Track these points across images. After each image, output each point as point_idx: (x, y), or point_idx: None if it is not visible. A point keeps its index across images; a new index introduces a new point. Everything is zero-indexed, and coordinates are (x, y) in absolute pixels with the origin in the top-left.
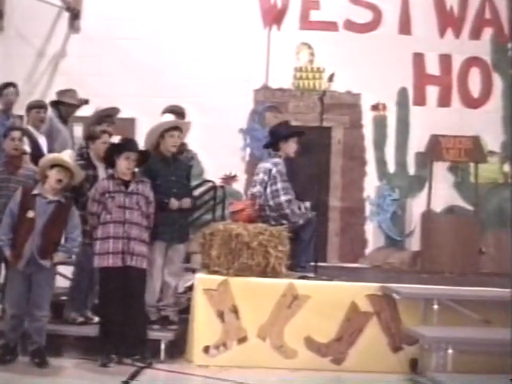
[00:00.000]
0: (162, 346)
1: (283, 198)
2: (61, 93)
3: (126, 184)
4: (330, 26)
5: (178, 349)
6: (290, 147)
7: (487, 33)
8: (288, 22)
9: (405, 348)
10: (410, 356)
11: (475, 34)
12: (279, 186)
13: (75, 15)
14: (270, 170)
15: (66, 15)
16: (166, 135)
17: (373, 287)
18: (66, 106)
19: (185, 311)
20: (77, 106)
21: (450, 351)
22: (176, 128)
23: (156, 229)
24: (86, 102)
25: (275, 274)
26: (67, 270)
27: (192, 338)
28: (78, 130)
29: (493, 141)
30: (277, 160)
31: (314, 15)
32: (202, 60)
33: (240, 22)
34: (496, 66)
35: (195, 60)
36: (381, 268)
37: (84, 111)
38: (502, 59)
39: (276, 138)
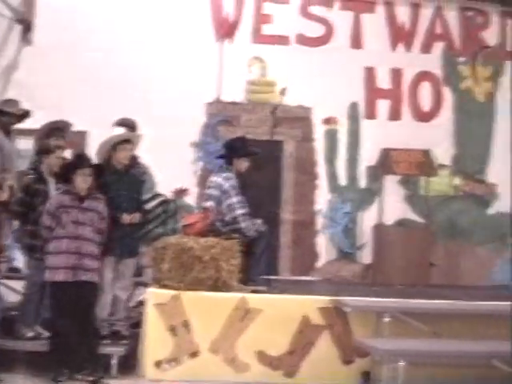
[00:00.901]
0: (114, 361)
1: (239, 212)
2: (1, 103)
3: (82, 199)
4: (282, 39)
5: (129, 363)
6: (242, 164)
7: (438, 47)
8: (240, 36)
9: (357, 360)
10: (361, 368)
11: (426, 48)
12: (234, 199)
13: (27, 27)
14: (222, 185)
15: (18, 27)
16: (118, 148)
17: (324, 300)
18: (6, 116)
19: (136, 325)
20: (18, 117)
21: (402, 363)
22: (127, 141)
23: (106, 243)
24: (27, 113)
25: (227, 287)
26: (18, 285)
27: (144, 352)
28: (27, 143)
29: (443, 154)
30: (228, 174)
31: (267, 29)
32: (154, 73)
33: (192, 35)
34: (446, 80)
35: (147, 73)
36: (333, 281)
37: (33, 124)
38: (453, 73)
39: (230, 154)
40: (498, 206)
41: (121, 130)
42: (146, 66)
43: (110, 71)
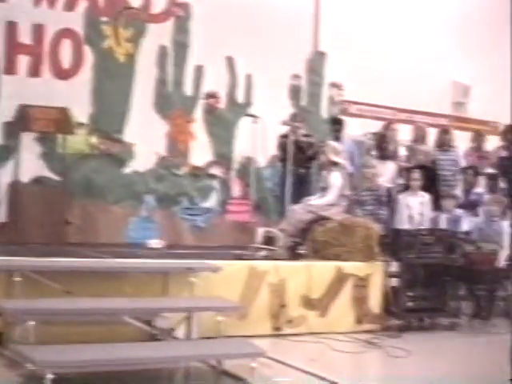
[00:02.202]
0: None
1: None
2: None
3: None
4: None
5: None
6: None
7: (81, 5)
8: None
9: None
10: None
11: (69, 6)
12: None
13: None
14: None
15: None
16: None
17: None
18: None
19: None
20: None
21: (32, 323)
22: None
23: None
24: None
25: None
26: None
27: None
28: None
29: (81, 113)
30: None
31: None
32: None
33: None
34: (88, 39)
35: None
36: None
37: None
38: (95, 33)
39: None
40: (134, 165)
41: None
42: None
43: None
